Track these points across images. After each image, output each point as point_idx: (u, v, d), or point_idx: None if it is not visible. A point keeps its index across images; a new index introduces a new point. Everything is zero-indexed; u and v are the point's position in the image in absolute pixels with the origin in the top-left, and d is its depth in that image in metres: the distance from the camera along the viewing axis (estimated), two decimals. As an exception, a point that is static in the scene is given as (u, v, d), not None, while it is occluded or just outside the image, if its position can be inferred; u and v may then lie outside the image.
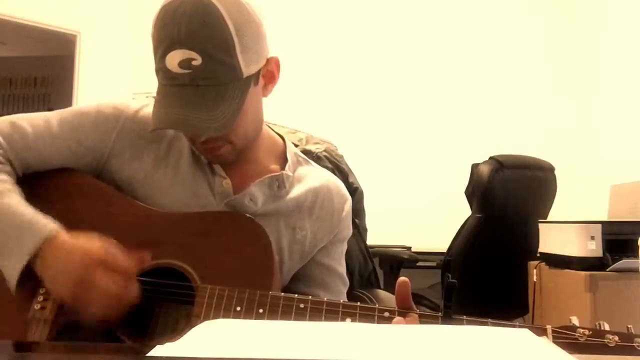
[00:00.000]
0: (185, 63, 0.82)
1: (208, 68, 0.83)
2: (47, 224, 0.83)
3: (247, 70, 0.87)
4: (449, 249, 2.54)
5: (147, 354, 0.48)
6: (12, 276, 0.81)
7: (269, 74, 0.94)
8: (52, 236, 0.82)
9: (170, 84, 0.84)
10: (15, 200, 0.86)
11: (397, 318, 0.75)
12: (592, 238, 2.02)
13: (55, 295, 0.81)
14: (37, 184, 0.93)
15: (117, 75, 3.66)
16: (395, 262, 2.61)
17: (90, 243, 0.82)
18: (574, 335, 0.71)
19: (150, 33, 0.86)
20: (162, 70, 0.84)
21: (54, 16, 3.64)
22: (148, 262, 0.84)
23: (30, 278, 0.82)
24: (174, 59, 0.82)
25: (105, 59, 3.72)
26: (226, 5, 0.83)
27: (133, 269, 0.82)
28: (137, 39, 3.66)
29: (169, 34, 0.82)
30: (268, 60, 0.93)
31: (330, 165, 1.32)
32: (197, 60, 0.82)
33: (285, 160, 1.03)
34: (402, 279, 0.78)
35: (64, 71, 3.93)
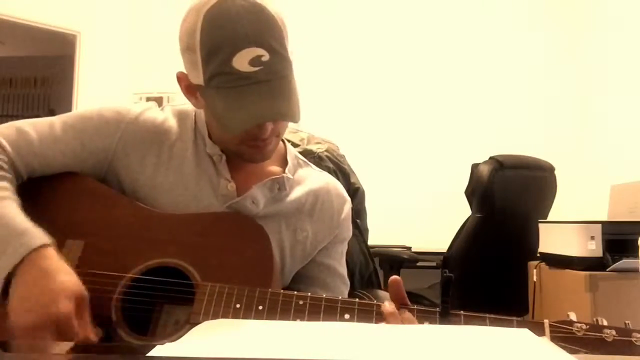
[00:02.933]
0: (255, 60, 0.82)
1: (274, 62, 0.84)
2: (33, 238, 0.80)
3: (292, 60, 0.89)
4: (449, 249, 2.54)
5: (147, 354, 0.48)
6: None
7: None
8: (30, 254, 0.79)
9: (244, 84, 0.83)
10: (9, 210, 0.85)
11: (386, 305, 0.75)
12: (592, 238, 2.02)
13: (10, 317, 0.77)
14: (41, 187, 0.94)
15: (117, 75, 3.65)
16: (395, 262, 2.61)
17: (58, 296, 0.76)
18: (572, 329, 0.70)
19: (195, 41, 0.84)
20: (228, 73, 0.83)
21: (54, 16, 3.64)
22: (98, 338, 0.80)
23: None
24: (243, 59, 0.82)
25: (105, 59, 3.72)
26: (267, 2, 0.86)
27: (85, 340, 0.77)
28: (137, 39, 3.67)
29: (231, 35, 0.82)
30: None
31: (331, 165, 1.32)
32: (266, 56, 0.83)
33: (286, 162, 1.04)
34: (393, 277, 0.78)
35: (64, 71, 3.93)
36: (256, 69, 0.83)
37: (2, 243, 0.80)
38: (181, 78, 0.93)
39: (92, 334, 0.79)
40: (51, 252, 0.80)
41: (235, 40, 0.82)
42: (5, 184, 0.88)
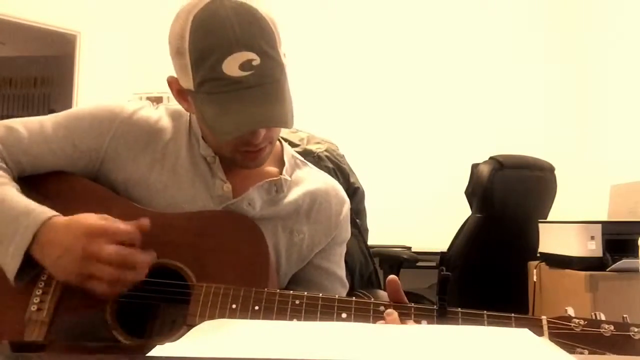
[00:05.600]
0: (246, 65, 0.81)
1: (266, 66, 0.82)
2: (43, 211, 0.83)
3: (285, 64, 0.88)
4: (449, 249, 2.54)
5: (147, 354, 0.48)
6: (12, 266, 0.80)
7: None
8: (48, 221, 0.82)
9: (235, 89, 0.81)
10: (11, 192, 0.86)
11: (387, 311, 0.75)
12: (592, 238, 2.02)
13: (60, 276, 0.81)
14: (32, 187, 0.93)
15: (117, 75, 3.65)
16: (395, 262, 2.61)
17: (88, 218, 0.82)
18: (570, 325, 0.70)
19: (184, 45, 0.83)
20: (218, 78, 0.81)
21: (54, 16, 3.64)
22: (147, 229, 0.84)
23: (30, 268, 0.82)
24: (233, 63, 0.80)
25: (105, 59, 3.72)
26: (258, 4, 0.84)
27: (136, 234, 0.82)
28: (137, 39, 3.67)
29: (220, 39, 0.80)
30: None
31: (331, 165, 1.32)
32: (257, 60, 0.81)
33: (282, 163, 1.02)
34: (390, 277, 0.77)
35: (64, 71, 3.93)
36: (247, 73, 0.81)
37: (12, 221, 0.82)
38: (172, 82, 0.92)
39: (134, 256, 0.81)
40: (60, 217, 0.83)
41: (225, 44, 0.80)
42: (1, 172, 0.89)
